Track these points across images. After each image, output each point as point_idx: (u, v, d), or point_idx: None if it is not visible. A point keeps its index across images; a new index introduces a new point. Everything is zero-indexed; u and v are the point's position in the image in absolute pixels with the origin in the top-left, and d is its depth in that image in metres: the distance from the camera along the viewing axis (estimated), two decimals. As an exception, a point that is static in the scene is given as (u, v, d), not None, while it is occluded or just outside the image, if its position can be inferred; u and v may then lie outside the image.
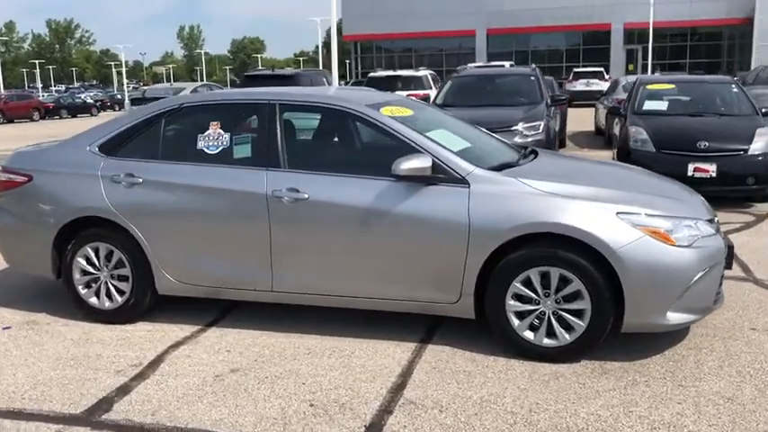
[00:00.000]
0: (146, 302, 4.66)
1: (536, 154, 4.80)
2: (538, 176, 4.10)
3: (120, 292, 4.66)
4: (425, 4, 46.43)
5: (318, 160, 4.50)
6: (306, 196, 4.18)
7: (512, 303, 3.94)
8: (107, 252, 4.63)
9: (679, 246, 3.77)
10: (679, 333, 4.25)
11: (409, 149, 4.12)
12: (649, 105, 9.45)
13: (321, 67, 45.82)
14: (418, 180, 4.03)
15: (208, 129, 4.51)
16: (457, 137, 4.58)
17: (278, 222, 4.24)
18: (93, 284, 4.71)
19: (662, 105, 9.39)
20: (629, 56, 45.60)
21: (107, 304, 4.69)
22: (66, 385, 3.82)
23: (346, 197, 4.14)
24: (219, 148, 4.47)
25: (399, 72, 18.61)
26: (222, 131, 4.49)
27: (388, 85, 16.15)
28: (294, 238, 4.26)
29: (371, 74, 17.66)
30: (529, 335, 3.95)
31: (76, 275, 4.71)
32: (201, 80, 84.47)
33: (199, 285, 4.54)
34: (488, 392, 3.61)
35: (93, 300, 4.72)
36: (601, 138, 16.03)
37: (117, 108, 45.71)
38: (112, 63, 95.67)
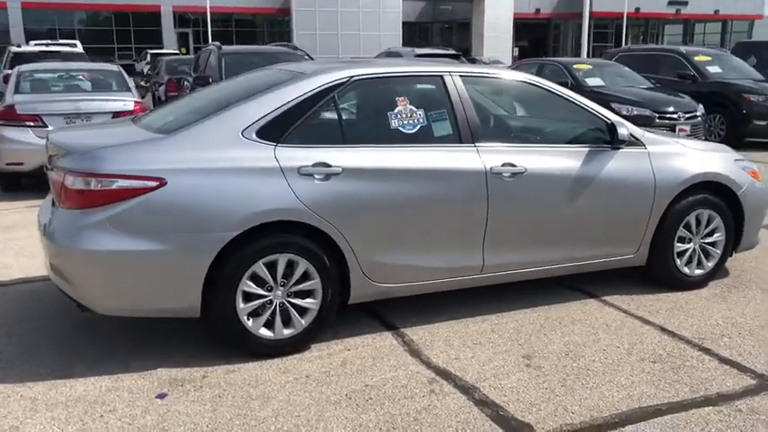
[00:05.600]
0: (331, 320, 3.82)
1: None
2: (672, 137, 4.85)
3: (302, 312, 3.71)
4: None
5: (515, 133, 4.36)
6: (523, 169, 4.08)
7: (677, 245, 4.65)
8: (286, 265, 3.63)
9: (762, 182, 5.02)
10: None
11: (594, 119, 4.41)
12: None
13: None
14: (610, 145, 4.36)
15: (395, 105, 3.91)
16: None
17: (495, 199, 4.03)
18: (262, 311, 3.63)
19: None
20: (180, 39, 45.92)
21: (285, 332, 3.68)
22: None
23: (559, 167, 4.20)
24: (418, 126, 3.93)
25: (56, 48, 15.71)
26: (414, 107, 3.95)
27: (44, 60, 13.49)
28: (508, 214, 4.10)
29: (14, 48, 14.35)
30: (686, 269, 4.73)
31: (240, 304, 3.56)
32: None
33: (405, 284, 3.95)
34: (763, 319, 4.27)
35: (264, 330, 3.64)
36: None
37: None
38: None
